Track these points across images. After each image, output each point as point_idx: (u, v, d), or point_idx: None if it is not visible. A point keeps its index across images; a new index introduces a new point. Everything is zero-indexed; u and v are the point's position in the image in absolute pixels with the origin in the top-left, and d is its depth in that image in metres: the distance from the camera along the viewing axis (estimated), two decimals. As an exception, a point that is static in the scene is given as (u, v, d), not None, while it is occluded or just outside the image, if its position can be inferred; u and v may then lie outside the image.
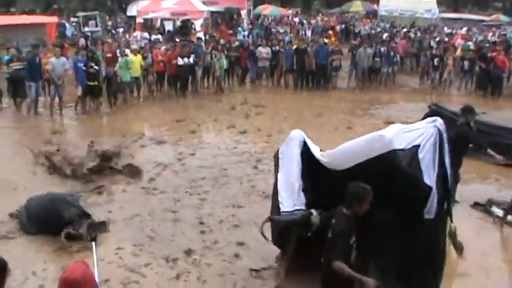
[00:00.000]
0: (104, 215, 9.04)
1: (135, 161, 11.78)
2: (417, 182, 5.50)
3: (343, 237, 5.07)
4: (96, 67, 16.92)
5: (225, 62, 20.32)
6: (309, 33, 31.75)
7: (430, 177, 5.52)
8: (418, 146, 5.59)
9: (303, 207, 6.26)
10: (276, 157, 7.05)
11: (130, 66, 17.86)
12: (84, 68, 16.68)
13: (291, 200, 6.41)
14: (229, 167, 11.67)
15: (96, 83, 16.87)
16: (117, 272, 7.25)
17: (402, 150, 5.62)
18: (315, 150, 6.70)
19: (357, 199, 5.08)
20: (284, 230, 6.50)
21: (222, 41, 23.50)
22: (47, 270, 7.30)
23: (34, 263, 7.44)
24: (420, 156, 5.55)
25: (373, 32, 32.29)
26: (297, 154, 6.69)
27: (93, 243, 4.98)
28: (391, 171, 5.55)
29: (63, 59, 16.76)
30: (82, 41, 26.72)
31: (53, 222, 8.28)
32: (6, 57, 18.29)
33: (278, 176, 6.77)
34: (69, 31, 37.76)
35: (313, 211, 5.86)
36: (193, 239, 8.33)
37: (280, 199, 6.51)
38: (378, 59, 20.88)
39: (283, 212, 6.39)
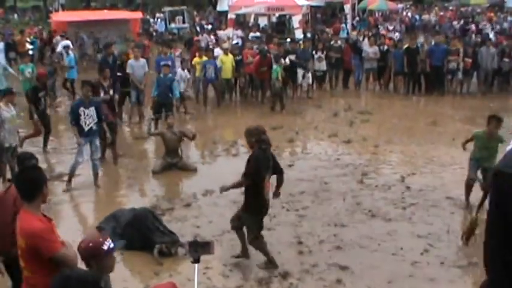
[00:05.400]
0: (191, 230, 9.10)
1: (228, 171, 11.80)
2: None
3: None
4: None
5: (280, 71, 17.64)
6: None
7: None
8: None
9: None
10: None
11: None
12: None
13: None
14: (331, 181, 11.48)
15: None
16: (204, 295, 7.19)
17: None
18: None
19: None
20: None
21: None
22: (129, 290, 7.34)
23: (114, 280, 7.46)
24: None
25: (498, 27, 30.94)
26: None
27: (196, 265, 5.00)
28: None
29: (142, 60, 16.66)
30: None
31: (141, 241, 8.44)
32: None
33: None
34: (160, 27, 38.76)
35: None
36: (290, 260, 8.19)
37: None
38: (506, 60, 19.61)
39: None
